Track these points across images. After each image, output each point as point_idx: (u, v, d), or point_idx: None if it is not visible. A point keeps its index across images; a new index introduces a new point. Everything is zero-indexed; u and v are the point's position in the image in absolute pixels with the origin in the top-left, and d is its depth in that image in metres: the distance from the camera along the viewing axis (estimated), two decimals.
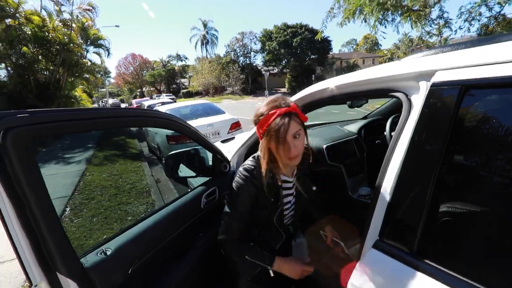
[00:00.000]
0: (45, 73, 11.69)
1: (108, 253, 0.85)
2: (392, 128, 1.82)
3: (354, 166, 1.94)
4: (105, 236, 2.65)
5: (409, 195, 0.74)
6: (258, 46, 36.81)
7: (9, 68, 10.83)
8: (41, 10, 11.29)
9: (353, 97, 1.06)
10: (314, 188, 1.19)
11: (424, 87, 0.72)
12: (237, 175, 1.04)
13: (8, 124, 0.57)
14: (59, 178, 4.52)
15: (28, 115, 0.61)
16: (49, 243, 0.66)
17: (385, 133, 1.90)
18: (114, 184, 4.20)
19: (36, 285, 0.71)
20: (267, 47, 32.93)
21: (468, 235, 0.67)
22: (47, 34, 10.85)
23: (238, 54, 38.40)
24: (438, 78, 0.69)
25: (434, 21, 7.74)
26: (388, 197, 0.78)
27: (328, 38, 32.05)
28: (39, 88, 11.01)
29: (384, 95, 0.92)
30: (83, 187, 4.12)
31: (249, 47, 37.88)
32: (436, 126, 0.68)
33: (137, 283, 0.95)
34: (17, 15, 10.18)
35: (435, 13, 7.56)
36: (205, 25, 44.31)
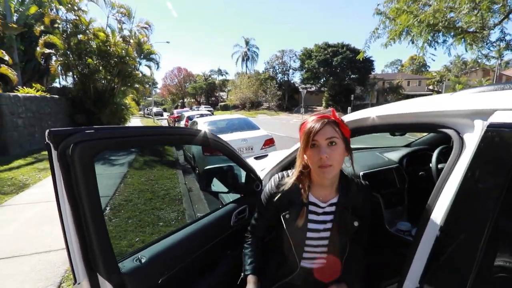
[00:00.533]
0: (103, 82, 13.12)
1: (143, 261, 0.89)
2: (439, 160, 1.69)
3: (392, 197, 1.81)
4: (137, 239, 2.80)
5: (460, 243, 0.67)
6: (297, 64, 37.37)
7: (74, 76, 12.39)
8: (106, 27, 12.88)
9: (396, 129, 1.02)
10: (356, 223, 1.01)
11: (479, 127, 0.67)
12: (270, 180, 1.08)
13: (78, 139, 0.66)
14: (104, 179, 4.93)
15: (94, 131, 0.69)
16: (95, 246, 0.72)
17: (430, 165, 1.76)
18: (150, 189, 4.46)
19: (79, 283, 0.77)
20: (306, 65, 33.17)
21: None
22: (109, 48, 12.28)
23: (277, 71, 39.26)
24: (497, 118, 0.63)
25: (493, 44, 7.14)
26: (434, 239, 0.72)
27: (371, 58, 31.28)
28: (96, 95, 12.36)
29: (431, 130, 0.87)
30: (123, 189, 4.43)
31: (288, 65, 38.59)
32: (493, 170, 0.62)
33: None
34: (87, 31, 11.73)
35: (494, 35, 6.98)
36: (247, 43, 46.33)
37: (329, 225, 1.00)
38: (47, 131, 0.64)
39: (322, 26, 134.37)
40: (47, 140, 0.65)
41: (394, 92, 33.15)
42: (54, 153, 0.66)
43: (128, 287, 0.82)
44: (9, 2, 10.63)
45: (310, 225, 0.99)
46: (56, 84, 14.90)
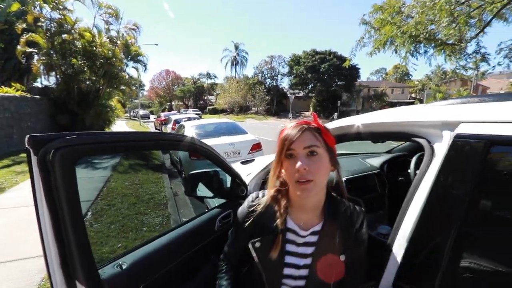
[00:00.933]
0: (87, 82, 12.78)
1: (124, 267, 0.88)
2: (418, 166, 1.77)
3: (374, 202, 1.87)
4: (119, 245, 2.73)
5: (429, 244, 0.72)
6: (285, 69, 37.87)
7: (58, 77, 12.01)
8: (93, 27, 12.61)
9: (378, 137, 1.06)
10: (343, 258, 0.77)
11: (447, 137, 0.72)
12: (245, 201, 0.92)
13: (59, 145, 0.65)
14: (86, 182, 4.78)
15: (76, 136, 0.69)
16: (74, 253, 0.71)
17: (409, 170, 1.84)
18: (135, 193, 4.36)
19: None
20: (294, 71, 33.67)
21: None
22: (94, 48, 12.01)
23: (266, 76, 39.63)
24: (462, 130, 0.68)
25: (470, 56, 7.53)
26: (406, 242, 0.76)
27: (357, 66, 32.14)
28: (80, 96, 12.02)
29: (406, 139, 0.92)
30: (106, 193, 4.32)
31: (277, 70, 39.04)
32: (459, 178, 0.67)
33: None
34: (72, 31, 11.43)
35: (471, 47, 7.37)
36: (236, 47, 46.55)
37: (309, 261, 0.78)
38: (27, 136, 0.64)
39: (311, 32, 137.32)
40: (26, 146, 0.64)
41: (378, 99, 34.22)
42: (34, 159, 0.65)
43: None
44: None
45: (288, 259, 0.79)
46: (38, 84, 14.40)
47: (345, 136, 1.18)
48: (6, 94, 8.52)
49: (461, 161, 0.67)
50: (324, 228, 0.79)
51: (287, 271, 0.79)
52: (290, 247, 0.79)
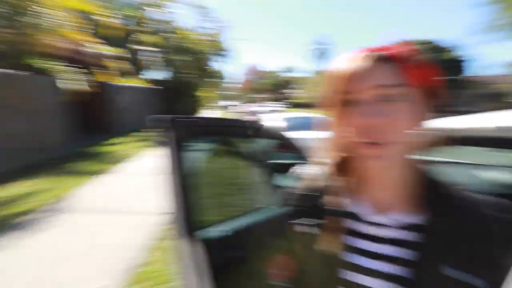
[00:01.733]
0: (188, 76, 15.12)
1: (229, 233, 1.05)
2: None
3: None
4: (217, 218, 3.15)
5: None
6: None
7: (169, 71, 14.63)
8: (194, 29, 14.87)
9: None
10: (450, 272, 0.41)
11: None
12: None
13: (178, 124, 0.89)
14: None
15: (194, 119, 0.93)
16: (191, 212, 0.91)
17: None
18: (229, 176, 4.90)
19: (179, 239, 0.98)
20: None
21: None
22: (196, 47, 14.18)
23: None
24: None
25: None
26: None
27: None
28: (182, 88, 14.46)
29: None
30: (204, 173, 5.04)
31: None
32: None
33: (227, 268, 1.11)
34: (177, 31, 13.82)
35: None
36: (322, 41, 44.72)
37: (391, 269, 0.45)
38: (155, 116, 0.87)
39: (413, 21, 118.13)
40: (156, 124, 0.86)
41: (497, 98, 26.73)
42: (161, 135, 0.87)
43: (207, 253, 0.97)
44: None
45: (351, 258, 0.48)
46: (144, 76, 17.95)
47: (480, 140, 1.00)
48: (132, 85, 11.16)
49: None
50: (431, 223, 0.44)
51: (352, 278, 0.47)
52: (355, 241, 0.48)
